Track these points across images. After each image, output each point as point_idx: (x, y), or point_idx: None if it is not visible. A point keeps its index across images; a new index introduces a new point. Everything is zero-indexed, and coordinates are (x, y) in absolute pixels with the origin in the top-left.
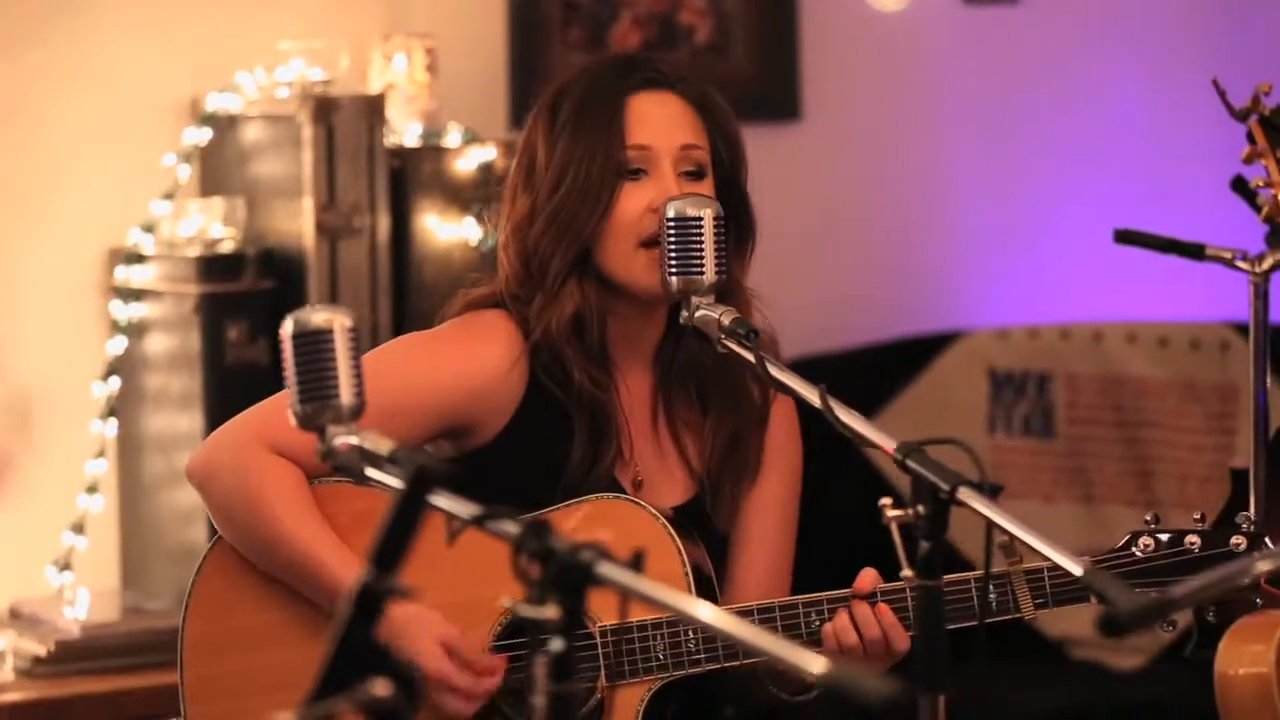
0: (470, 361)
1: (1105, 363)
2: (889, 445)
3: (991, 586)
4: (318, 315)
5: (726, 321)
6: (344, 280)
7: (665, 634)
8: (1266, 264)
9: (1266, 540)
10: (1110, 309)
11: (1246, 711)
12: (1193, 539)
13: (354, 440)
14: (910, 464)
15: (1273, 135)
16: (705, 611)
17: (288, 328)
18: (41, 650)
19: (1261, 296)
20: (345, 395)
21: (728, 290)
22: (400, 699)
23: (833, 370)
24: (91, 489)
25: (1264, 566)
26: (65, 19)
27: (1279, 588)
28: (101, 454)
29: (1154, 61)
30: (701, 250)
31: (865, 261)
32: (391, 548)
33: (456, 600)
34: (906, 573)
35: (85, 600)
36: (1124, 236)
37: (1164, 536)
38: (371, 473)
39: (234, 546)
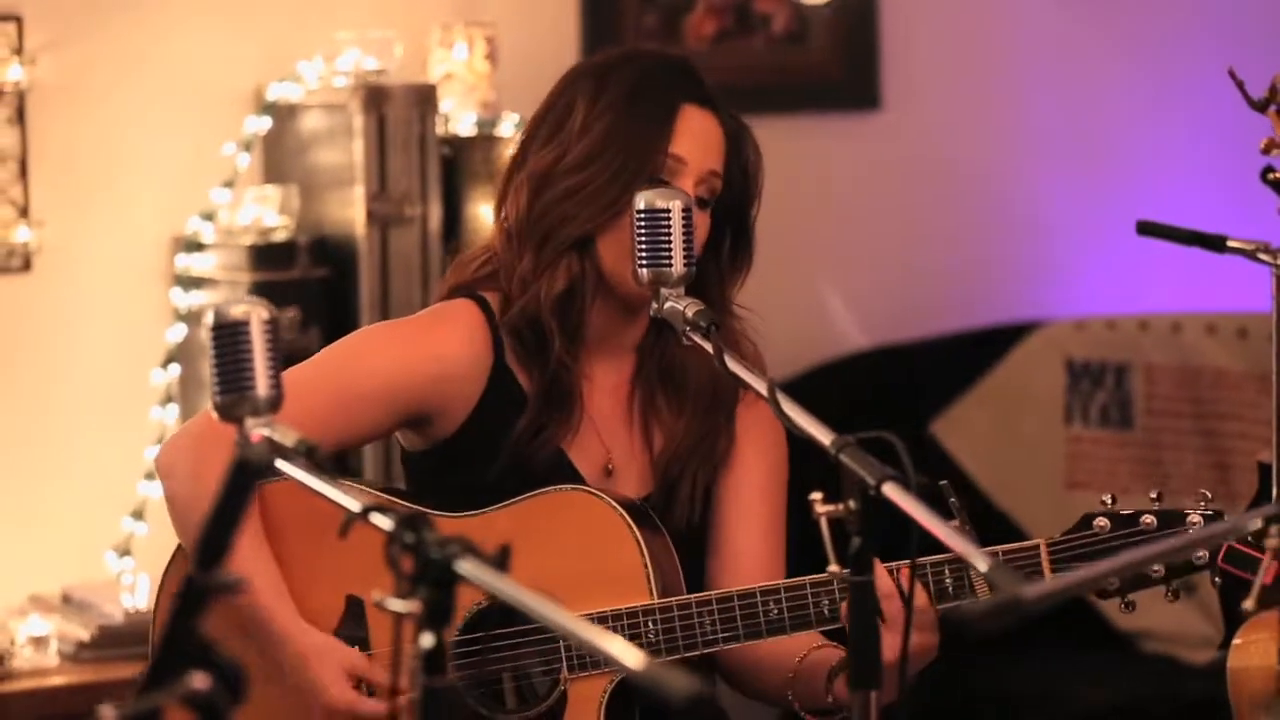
0: (432, 347)
1: (1184, 354)
2: (825, 440)
3: (947, 570)
4: (236, 308)
5: (691, 314)
6: (395, 268)
7: (625, 625)
8: None
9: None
10: (1189, 300)
11: (1258, 706)
12: (1148, 519)
13: (265, 431)
14: (842, 459)
15: None
16: (558, 615)
17: (208, 319)
18: (85, 635)
19: None
20: (261, 387)
21: (719, 308)
22: (219, 692)
23: (910, 360)
24: (151, 476)
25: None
26: (131, 7)
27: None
28: (161, 440)
29: (1246, 51)
30: (670, 242)
31: (943, 251)
32: (216, 541)
33: None
34: (833, 568)
35: (145, 586)
36: (1146, 228)
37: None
38: (281, 464)
39: (185, 550)
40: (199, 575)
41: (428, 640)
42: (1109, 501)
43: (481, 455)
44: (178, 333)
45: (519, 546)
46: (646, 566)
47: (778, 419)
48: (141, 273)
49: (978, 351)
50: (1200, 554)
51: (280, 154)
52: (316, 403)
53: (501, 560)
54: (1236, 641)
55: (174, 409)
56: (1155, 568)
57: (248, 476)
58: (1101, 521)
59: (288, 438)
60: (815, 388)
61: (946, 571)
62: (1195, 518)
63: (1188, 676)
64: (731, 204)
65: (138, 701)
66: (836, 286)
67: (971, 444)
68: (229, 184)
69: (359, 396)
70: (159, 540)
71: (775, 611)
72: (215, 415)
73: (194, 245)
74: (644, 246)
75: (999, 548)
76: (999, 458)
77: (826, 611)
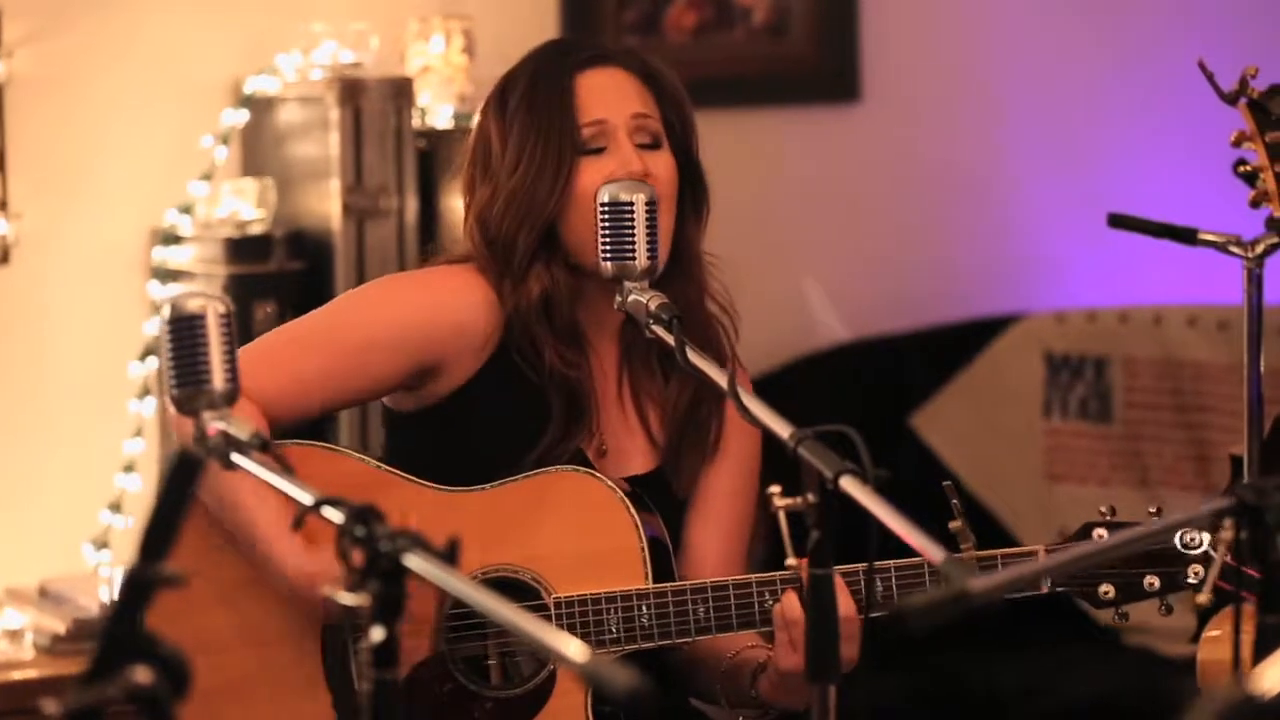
0: (445, 295)
1: (1164, 346)
2: (784, 433)
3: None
4: (192, 301)
5: (653, 307)
6: (371, 261)
7: (619, 607)
8: (1259, 249)
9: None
10: (1170, 292)
11: None
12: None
13: (221, 425)
14: (800, 452)
15: (1261, 119)
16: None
17: (164, 312)
18: (60, 628)
19: (1255, 281)
20: (217, 380)
21: (687, 258)
22: (162, 686)
23: (891, 353)
24: (129, 468)
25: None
26: (109, 0)
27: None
28: (139, 433)
29: (1231, 43)
30: (633, 236)
31: (923, 244)
32: (159, 535)
33: None
34: (791, 561)
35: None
36: (1117, 221)
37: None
38: (237, 458)
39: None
40: (142, 568)
41: (377, 634)
42: (1107, 512)
43: (471, 422)
44: (155, 325)
45: (518, 524)
46: (643, 550)
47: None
48: (119, 265)
49: (958, 344)
50: (1196, 570)
51: (258, 147)
52: (323, 355)
53: (450, 554)
54: (1207, 634)
55: (151, 402)
56: (1150, 581)
57: (190, 469)
58: (1100, 532)
59: (243, 431)
60: (796, 380)
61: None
62: (1157, 522)
63: (1169, 669)
64: (679, 142)
65: (79, 695)
66: (817, 279)
67: (952, 437)
68: (207, 177)
69: (377, 343)
70: (137, 533)
71: (770, 602)
72: (171, 408)
73: (171, 238)
74: (607, 240)
75: (998, 551)
76: (979, 450)
77: None
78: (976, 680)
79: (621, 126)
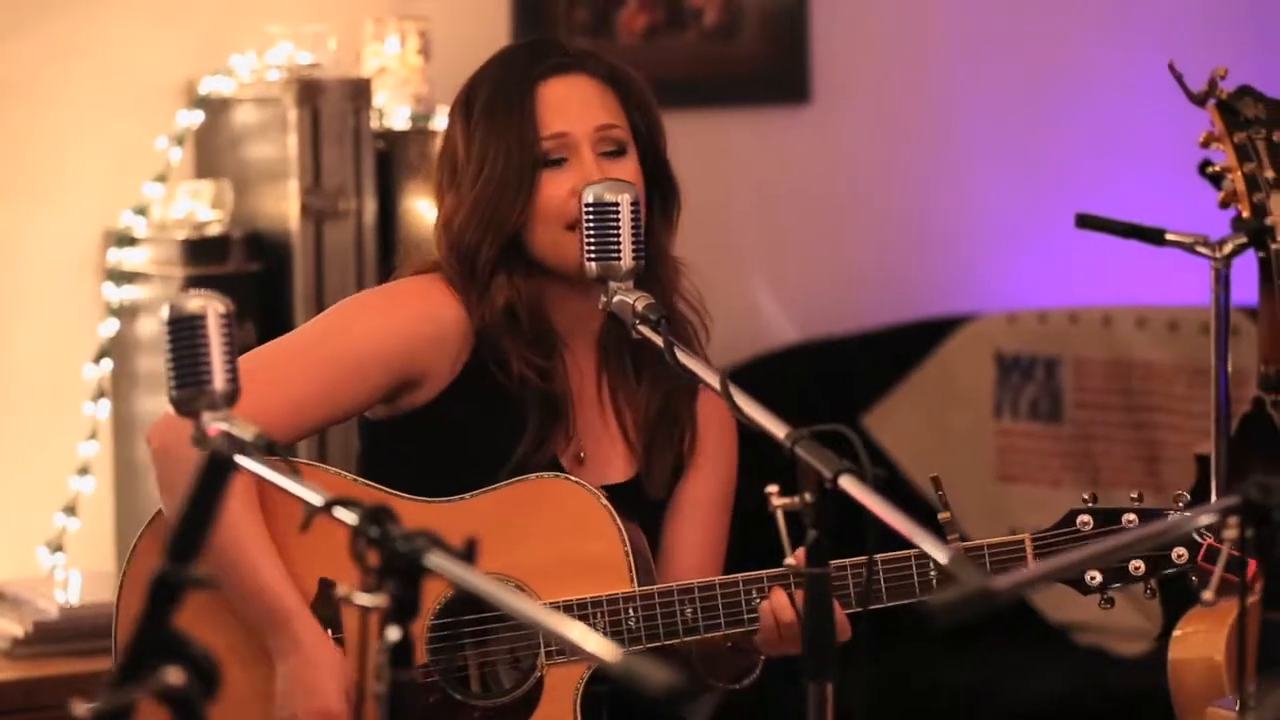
0: (422, 307)
1: (1114, 347)
2: (780, 433)
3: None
4: (192, 301)
5: (640, 307)
6: (330, 263)
7: (605, 612)
8: (1227, 249)
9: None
10: (1120, 293)
11: (1199, 698)
12: (1130, 517)
13: (223, 426)
14: (797, 451)
15: (1230, 119)
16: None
17: (164, 313)
18: (20, 631)
19: (1222, 282)
20: (218, 381)
21: (657, 260)
22: (194, 687)
23: (841, 353)
24: (83, 471)
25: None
26: (63, 1)
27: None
28: (94, 436)
29: (1179, 44)
30: (618, 236)
31: (874, 245)
32: (188, 536)
33: None
34: (790, 560)
35: (78, 582)
36: (1084, 221)
37: (1101, 512)
38: (240, 459)
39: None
40: (173, 569)
41: (394, 634)
42: (1089, 500)
43: (446, 431)
44: (110, 327)
45: (499, 532)
46: (628, 554)
47: (730, 411)
48: (73, 267)
49: (908, 345)
50: (1180, 553)
51: (212, 148)
52: (313, 377)
53: (469, 553)
54: (1177, 633)
55: (106, 404)
56: (1136, 565)
57: (220, 470)
58: (1084, 518)
59: (246, 431)
60: (746, 381)
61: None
62: (1175, 517)
63: (1120, 668)
64: (646, 145)
65: (110, 696)
66: (767, 280)
67: (903, 438)
68: (161, 178)
69: (361, 364)
70: (91, 536)
71: (759, 600)
72: (171, 409)
73: (126, 240)
74: (592, 240)
75: (984, 540)
76: (930, 451)
77: None
78: (925, 680)
79: (584, 138)
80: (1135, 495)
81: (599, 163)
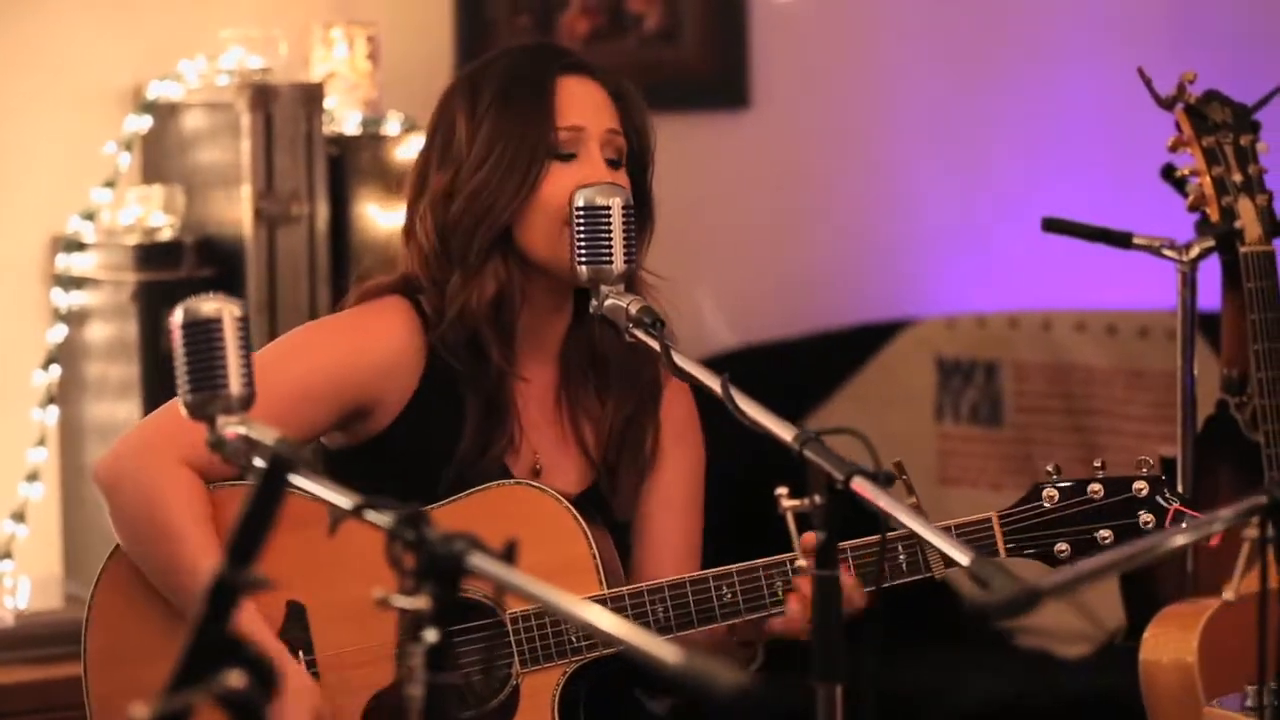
0: (371, 338)
1: (1053, 351)
2: (787, 435)
3: (900, 546)
4: (207, 304)
5: (634, 311)
6: (283, 268)
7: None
8: (1194, 252)
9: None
10: (1059, 297)
11: (1171, 700)
12: (1095, 487)
13: (241, 430)
14: (807, 453)
15: (1198, 123)
16: (573, 603)
17: (177, 317)
18: None
19: (1189, 285)
20: (234, 385)
21: (630, 277)
22: (254, 690)
23: (781, 357)
24: (32, 477)
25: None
26: (9, 5)
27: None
28: (42, 442)
29: (1115, 49)
30: (610, 239)
31: (813, 250)
32: (248, 539)
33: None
34: (801, 562)
35: (26, 589)
36: (1051, 225)
37: (1066, 485)
38: (259, 463)
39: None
40: (231, 573)
41: (432, 636)
42: (1053, 471)
43: (410, 453)
44: (58, 333)
45: None
46: (595, 557)
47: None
48: (21, 273)
49: (849, 349)
50: (1147, 519)
51: (160, 153)
52: (272, 405)
53: (510, 554)
54: (1148, 635)
55: (54, 410)
56: (1104, 534)
57: (281, 472)
58: (1050, 492)
59: (266, 435)
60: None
61: (900, 549)
62: (1140, 484)
63: (1063, 671)
64: (634, 166)
65: (170, 700)
66: (708, 285)
67: (844, 441)
68: (110, 183)
69: (308, 394)
70: (39, 543)
71: (729, 595)
72: (185, 413)
73: (74, 245)
74: (583, 244)
75: (951, 521)
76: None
77: (781, 593)
78: (868, 682)
79: (595, 137)
80: (1099, 464)
81: (605, 165)
